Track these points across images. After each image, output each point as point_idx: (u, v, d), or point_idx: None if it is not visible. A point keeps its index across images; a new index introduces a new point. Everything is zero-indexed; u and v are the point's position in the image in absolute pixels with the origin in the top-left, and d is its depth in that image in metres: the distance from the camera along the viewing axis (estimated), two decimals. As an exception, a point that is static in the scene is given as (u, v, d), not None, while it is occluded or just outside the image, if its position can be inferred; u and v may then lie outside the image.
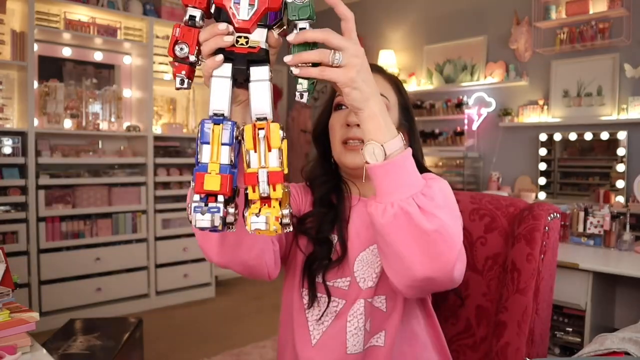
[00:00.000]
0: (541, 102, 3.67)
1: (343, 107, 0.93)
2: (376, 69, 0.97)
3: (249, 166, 0.59)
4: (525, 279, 0.99)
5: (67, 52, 3.29)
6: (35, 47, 2.98)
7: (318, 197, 0.96)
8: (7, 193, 2.85)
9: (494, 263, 1.07)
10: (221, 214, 0.56)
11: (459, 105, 4.08)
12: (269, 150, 0.58)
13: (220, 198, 0.57)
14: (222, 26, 0.59)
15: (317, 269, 0.93)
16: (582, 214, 2.20)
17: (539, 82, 3.72)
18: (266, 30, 0.61)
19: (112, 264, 3.22)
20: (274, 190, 0.58)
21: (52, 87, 3.11)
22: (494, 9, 3.94)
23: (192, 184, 0.59)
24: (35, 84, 3.01)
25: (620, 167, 3.32)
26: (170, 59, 0.62)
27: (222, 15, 0.61)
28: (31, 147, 2.90)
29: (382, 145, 0.67)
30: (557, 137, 3.61)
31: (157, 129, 3.58)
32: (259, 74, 0.61)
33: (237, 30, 0.60)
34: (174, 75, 0.62)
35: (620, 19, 3.26)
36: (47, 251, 2.97)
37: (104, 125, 3.36)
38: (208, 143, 0.58)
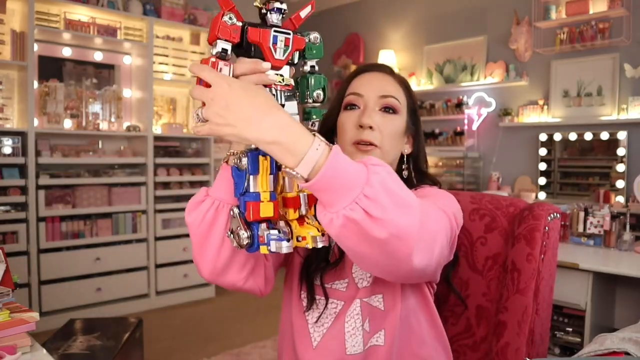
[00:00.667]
0: (541, 102, 3.67)
1: (355, 107, 0.92)
2: (387, 70, 0.98)
3: (283, 190, 0.67)
4: (525, 279, 0.99)
5: (67, 52, 3.29)
6: (35, 47, 2.98)
7: None
8: (7, 193, 2.85)
9: (494, 263, 1.07)
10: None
11: (459, 105, 4.08)
12: None
13: (282, 223, 0.67)
14: (267, 65, 0.64)
15: (314, 271, 0.93)
16: (582, 214, 2.20)
17: (539, 82, 3.72)
18: (289, 67, 0.68)
19: (112, 264, 3.22)
20: (310, 209, 0.67)
21: (52, 87, 3.11)
22: (494, 9, 3.94)
23: (236, 210, 0.66)
24: (35, 84, 3.01)
25: (620, 167, 3.32)
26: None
27: (253, 51, 0.65)
28: (31, 147, 2.89)
29: (295, 171, 0.59)
30: (557, 137, 3.61)
31: (157, 129, 3.58)
32: (292, 109, 0.68)
33: (271, 67, 0.66)
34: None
35: (620, 19, 3.26)
36: (47, 251, 2.97)
37: (104, 125, 3.36)
38: (257, 174, 0.65)
